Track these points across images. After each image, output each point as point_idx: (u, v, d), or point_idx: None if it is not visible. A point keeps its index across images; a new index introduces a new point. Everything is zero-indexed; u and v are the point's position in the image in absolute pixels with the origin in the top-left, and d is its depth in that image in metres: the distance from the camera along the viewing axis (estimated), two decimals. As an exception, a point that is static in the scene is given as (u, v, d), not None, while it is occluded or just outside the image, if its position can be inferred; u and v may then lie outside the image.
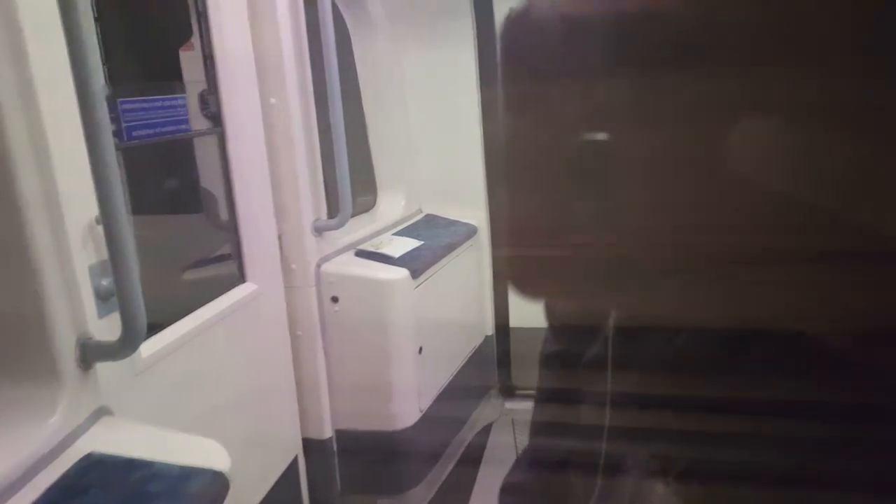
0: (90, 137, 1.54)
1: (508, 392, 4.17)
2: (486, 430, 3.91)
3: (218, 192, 2.63)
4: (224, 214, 2.61)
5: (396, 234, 3.55)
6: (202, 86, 2.48)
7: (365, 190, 3.69)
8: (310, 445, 3.04)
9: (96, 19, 2.23)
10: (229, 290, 2.52)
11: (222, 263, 2.67)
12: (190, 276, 2.75)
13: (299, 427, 2.98)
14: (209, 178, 2.69)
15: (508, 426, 3.93)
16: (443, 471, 3.50)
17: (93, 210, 1.65)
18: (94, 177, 1.57)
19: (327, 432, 3.09)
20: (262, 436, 2.66)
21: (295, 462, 2.92)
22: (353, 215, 3.10)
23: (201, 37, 2.43)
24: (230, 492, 1.63)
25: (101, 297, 1.75)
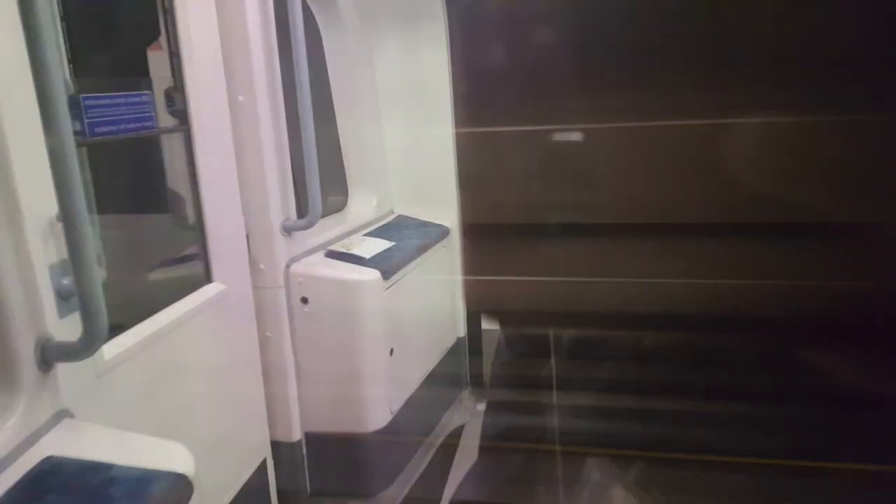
0: (50, 133, 1.51)
1: (480, 394, 4.15)
2: (458, 431, 3.89)
3: (185, 190, 2.59)
4: (191, 213, 2.57)
5: (368, 234, 3.53)
6: (169, 83, 2.44)
7: (336, 190, 3.66)
8: (278, 448, 3.01)
9: (63, 18, 2.20)
10: (195, 290, 2.49)
11: (188, 263, 2.63)
12: (155, 276, 2.71)
13: (267, 429, 2.95)
14: (176, 176, 2.65)
15: (480, 428, 3.92)
16: (414, 473, 3.48)
17: (53, 208, 1.61)
18: (53, 173, 1.53)
19: (296, 435, 3.06)
20: (229, 438, 2.63)
21: (263, 465, 2.89)
22: (323, 215, 3.08)
23: (168, 34, 2.40)
24: (194, 495, 1.60)
25: (63, 297, 1.71)
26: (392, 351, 3.18)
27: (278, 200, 2.88)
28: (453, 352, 3.99)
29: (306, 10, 3.14)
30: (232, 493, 2.63)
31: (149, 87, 2.40)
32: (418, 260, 3.46)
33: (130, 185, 2.74)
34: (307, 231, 3.04)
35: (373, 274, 3.07)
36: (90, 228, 1.60)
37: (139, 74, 2.46)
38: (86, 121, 2.06)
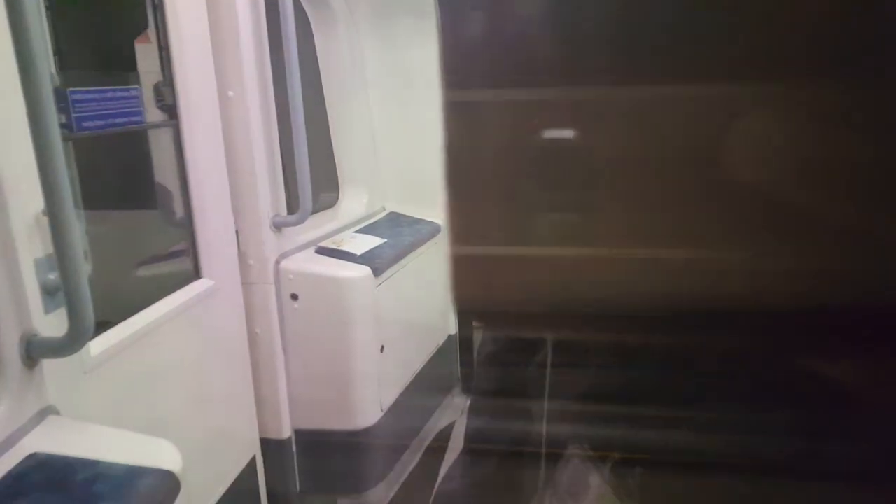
0: (36, 126, 1.49)
1: (471, 391, 4.14)
2: (449, 428, 3.88)
3: (174, 186, 2.57)
4: (180, 209, 2.55)
5: (359, 231, 3.51)
6: (158, 77, 2.42)
7: (327, 186, 3.65)
8: (268, 445, 2.99)
9: (48, 9, 2.18)
10: (184, 286, 2.47)
11: (177, 259, 2.61)
12: (143, 271, 2.69)
13: (257, 426, 2.93)
14: (165, 172, 2.63)
15: (464, 423, 3.91)
16: (404, 470, 3.47)
17: (39, 202, 1.60)
18: (39, 167, 1.52)
19: (286, 432, 3.05)
20: (218, 435, 2.61)
21: (253, 462, 2.87)
22: (314, 212, 3.07)
23: (157, 27, 2.38)
24: (182, 492, 1.59)
25: (48, 292, 1.70)
26: (383, 348, 3.17)
27: (268, 196, 2.87)
28: (444, 349, 3.98)
29: (297, 4, 3.13)
30: (221, 491, 2.62)
31: (137, 81, 2.39)
32: (409, 257, 3.45)
33: (118, 180, 2.73)
34: (297, 227, 3.02)
35: (363, 271, 3.05)
36: (77, 223, 1.58)
37: (127, 68, 2.44)
38: (73, 115, 2.04)
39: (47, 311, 1.69)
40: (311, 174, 2.95)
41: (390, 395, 3.30)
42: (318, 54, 3.50)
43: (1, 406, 1.56)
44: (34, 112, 1.47)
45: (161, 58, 2.39)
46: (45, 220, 1.61)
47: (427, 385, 3.73)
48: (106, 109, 2.17)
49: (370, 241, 3.33)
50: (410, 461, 3.54)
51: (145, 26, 2.41)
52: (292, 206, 3.01)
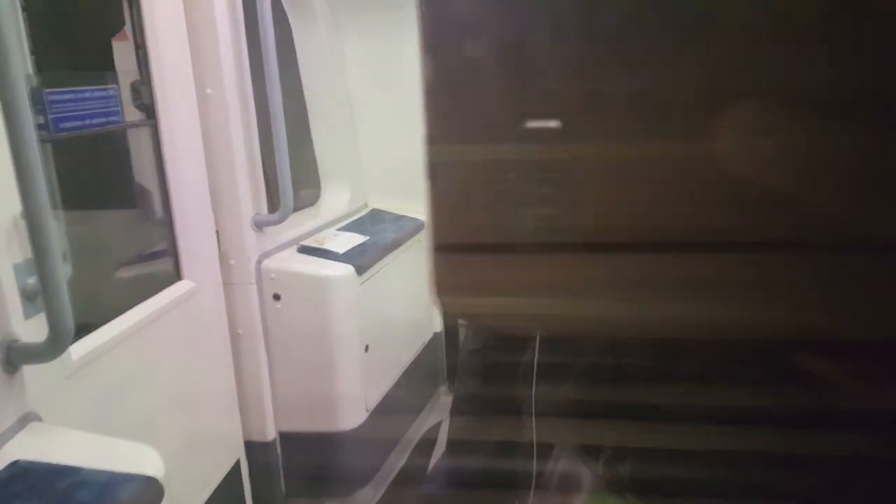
0: (12, 128, 1.46)
1: (454, 389, 4.13)
2: (435, 428, 3.86)
3: (153, 186, 2.54)
4: (159, 209, 2.52)
5: (341, 229, 3.49)
6: (135, 76, 2.39)
7: (308, 184, 3.62)
8: (252, 448, 2.96)
9: (23, 9, 2.14)
10: (164, 288, 2.44)
11: (157, 260, 2.58)
12: (123, 274, 2.66)
13: (241, 429, 2.90)
14: (143, 172, 2.60)
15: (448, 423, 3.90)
16: (390, 471, 3.45)
17: (17, 205, 1.57)
18: (16, 170, 1.49)
19: (270, 434, 3.02)
20: (201, 439, 2.59)
21: (237, 466, 2.85)
22: (295, 210, 3.04)
23: (133, 25, 2.34)
24: (165, 498, 1.57)
25: (28, 297, 1.67)
26: (367, 347, 3.15)
27: (248, 195, 2.84)
28: (430, 347, 3.97)
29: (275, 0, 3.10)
30: (205, 496, 2.59)
31: (114, 80, 2.35)
32: (393, 254, 3.43)
33: (97, 181, 2.69)
34: (279, 226, 2.99)
35: (346, 269, 3.03)
36: (55, 226, 1.56)
37: (104, 67, 2.41)
38: (50, 116, 2.01)
39: (27, 316, 1.67)
40: (292, 172, 2.92)
41: (376, 395, 3.29)
42: (297, 50, 3.47)
43: (-20, 414, 1.53)
44: (10, 113, 1.45)
45: (138, 56, 2.36)
46: (23, 223, 1.58)
47: (413, 384, 3.72)
48: (83, 110, 2.13)
49: (352, 239, 3.31)
50: (397, 461, 3.53)
51: (122, 25, 2.37)
52: (273, 205, 2.98)
